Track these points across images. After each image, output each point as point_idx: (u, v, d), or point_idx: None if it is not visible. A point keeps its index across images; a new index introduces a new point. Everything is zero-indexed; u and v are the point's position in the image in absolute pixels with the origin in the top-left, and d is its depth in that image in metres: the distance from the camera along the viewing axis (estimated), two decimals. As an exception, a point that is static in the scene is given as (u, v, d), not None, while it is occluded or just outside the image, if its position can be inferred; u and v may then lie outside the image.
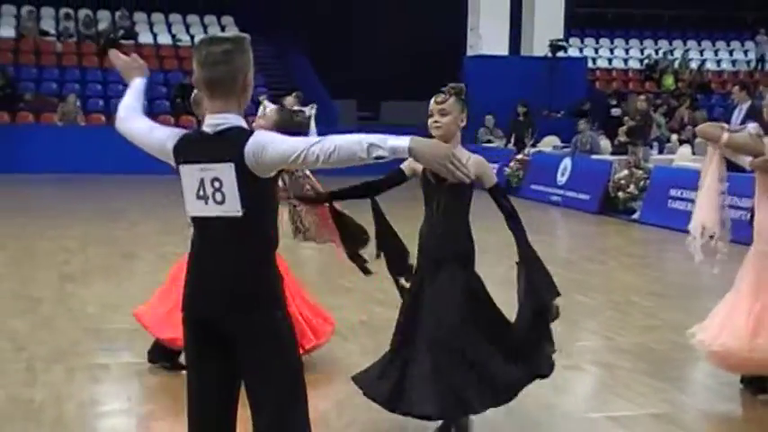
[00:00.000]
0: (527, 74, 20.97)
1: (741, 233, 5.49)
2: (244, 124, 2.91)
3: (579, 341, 6.38)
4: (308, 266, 10.22)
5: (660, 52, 27.42)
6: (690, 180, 12.63)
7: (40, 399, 5.02)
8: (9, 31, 23.55)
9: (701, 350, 5.32)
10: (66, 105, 20.48)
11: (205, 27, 25.59)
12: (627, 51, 28.41)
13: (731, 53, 28.93)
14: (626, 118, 17.42)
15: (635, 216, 13.64)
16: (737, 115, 12.78)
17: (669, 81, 25.16)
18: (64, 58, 23.10)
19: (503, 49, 22.57)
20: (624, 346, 6.36)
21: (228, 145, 2.84)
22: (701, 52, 28.52)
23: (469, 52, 22.93)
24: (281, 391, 2.90)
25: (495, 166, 18.40)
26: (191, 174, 2.91)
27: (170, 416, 4.78)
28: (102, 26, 24.14)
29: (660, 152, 16.92)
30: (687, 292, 8.26)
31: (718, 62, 28.38)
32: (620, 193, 14.09)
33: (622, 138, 16.50)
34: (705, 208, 5.26)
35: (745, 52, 28.75)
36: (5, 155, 18.68)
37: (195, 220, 2.97)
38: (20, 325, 6.65)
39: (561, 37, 22.64)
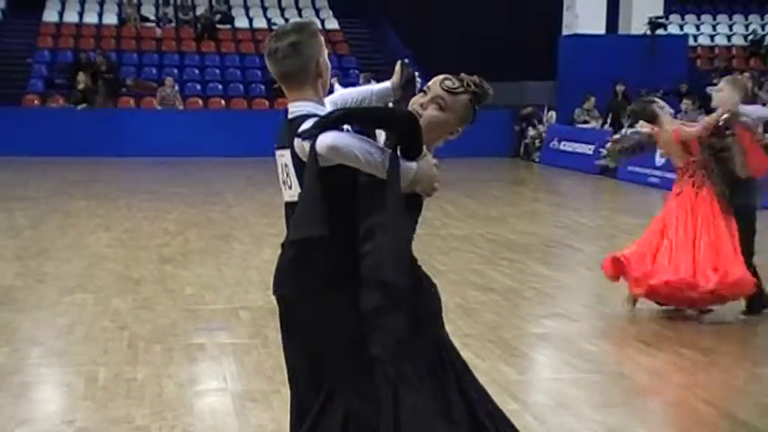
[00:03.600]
0: (625, 53, 20.49)
1: None
2: (318, 111, 2.86)
3: (674, 326, 6.23)
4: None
5: (767, 27, 26.44)
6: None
7: (141, 377, 5.14)
8: (112, 18, 24.16)
9: None
10: (164, 90, 20.91)
11: (300, 11, 25.78)
12: (730, 27, 27.49)
13: (842, 27, 27.73)
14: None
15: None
16: None
17: (775, 57, 24.28)
18: (163, 44, 23.59)
19: (600, 28, 22.11)
20: (723, 330, 6.17)
21: (293, 132, 2.82)
22: (810, 27, 27.43)
23: (565, 31, 22.54)
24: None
25: (592, 147, 18.10)
26: (277, 159, 2.98)
27: (265, 396, 4.84)
28: (199, 11, 24.56)
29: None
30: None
31: (828, 37, 27.24)
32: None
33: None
34: None
35: None
36: (108, 139, 19.20)
37: (284, 205, 3.01)
38: (121, 305, 6.82)
39: (661, 14, 22.04)
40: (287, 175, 2.90)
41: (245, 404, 4.73)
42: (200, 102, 21.79)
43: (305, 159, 2.75)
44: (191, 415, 4.63)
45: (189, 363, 5.49)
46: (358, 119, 2.77)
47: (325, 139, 2.62)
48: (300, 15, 25.58)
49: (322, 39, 2.95)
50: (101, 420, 4.50)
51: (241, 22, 24.90)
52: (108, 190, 14.10)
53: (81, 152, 18.40)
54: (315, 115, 2.81)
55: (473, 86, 2.91)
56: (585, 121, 19.77)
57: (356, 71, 23.31)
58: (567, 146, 18.93)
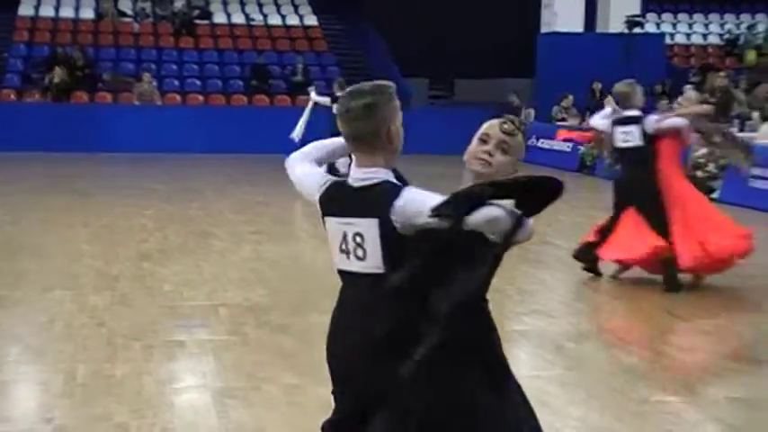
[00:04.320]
0: (602, 51, 20.59)
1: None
2: (391, 178, 2.78)
3: (647, 320, 6.27)
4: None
5: (742, 27, 26.66)
6: (772, 158, 12.31)
7: (120, 374, 5.12)
8: (89, 13, 23.99)
9: None
10: (141, 86, 20.81)
11: (279, 7, 25.71)
12: (707, 26, 27.68)
13: (816, 27, 27.98)
14: (706, 95, 16.98)
15: (714, 195, 13.32)
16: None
17: (751, 56, 24.46)
18: (141, 39, 23.45)
19: (578, 26, 22.22)
20: (706, 328, 6.23)
21: (373, 200, 2.73)
22: (785, 26, 27.64)
23: (544, 29, 22.63)
24: None
25: (570, 145, 18.18)
26: (334, 226, 2.84)
27: (245, 393, 4.83)
28: (177, 6, 24.44)
29: (741, 130, 16.48)
30: (769, 274, 8.04)
31: (803, 36, 27.48)
32: (699, 172, 13.76)
33: (702, 115, 16.05)
34: None
35: (831, 25, 27.78)
36: (85, 135, 19.08)
37: (340, 272, 2.90)
38: (100, 301, 6.79)
39: (638, 12, 22.16)
40: (357, 245, 2.76)
41: (224, 401, 4.72)
42: (179, 97, 21.69)
43: (403, 232, 2.68)
44: (170, 412, 4.62)
45: (168, 360, 5.47)
46: (518, 192, 2.64)
47: (484, 214, 2.57)
48: (279, 11, 25.52)
49: (398, 103, 2.82)
50: (80, 418, 4.48)
51: (219, 18, 24.79)
52: (86, 186, 14.02)
53: (58, 148, 18.27)
54: (389, 183, 2.76)
55: (521, 125, 2.94)
56: (563, 119, 19.86)
57: (335, 68, 23.29)
58: (544, 143, 19.01)
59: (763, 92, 18.84)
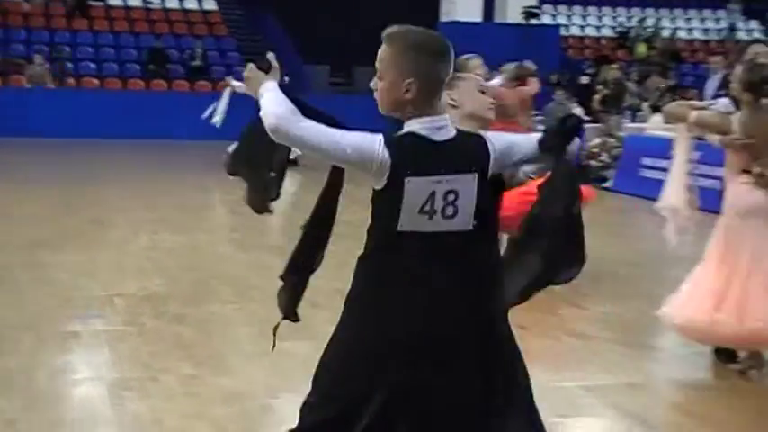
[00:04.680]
0: (500, 41, 20.85)
1: (714, 203, 5.51)
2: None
3: (553, 311, 6.40)
4: (284, 235, 10.19)
5: (633, 20, 27.42)
6: (661, 148, 12.65)
7: (11, 366, 4.96)
8: (-25, -8, 23.11)
9: (667, 322, 5.35)
10: (33, 68, 20.16)
11: (176, -10, 25.24)
12: (600, 19, 28.37)
13: (702, 21, 28.98)
14: (600, 86, 17.41)
15: (607, 184, 13.68)
16: (711, 85, 12.77)
17: (642, 49, 25.18)
18: (31, 20, 22.70)
19: (476, 16, 22.46)
20: (598, 316, 6.40)
21: (470, 154, 2.64)
22: (673, 20, 28.54)
23: (443, 18, 22.80)
24: None
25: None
26: (420, 186, 2.58)
27: (142, 384, 4.74)
28: (70, -13, 23.73)
29: (633, 120, 16.96)
30: (660, 261, 8.30)
31: (690, 30, 28.43)
32: (593, 162, 14.12)
33: (596, 106, 16.49)
34: (674, 188, 5.27)
35: (717, 20, 28.82)
36: (-28, 118, 18.40)
37: (409, 235, 2.62)
38: (-11, 292, 6.57)
39: (535, 4, 22.56)
40: (447, 204, 2.59)
41: (120, 393, 4.62)
42: (72, 81, 21.10)
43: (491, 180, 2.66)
44: (63, 405, 4.51)
45: (62, 351, 5.32)
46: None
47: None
48: (177, -6, 25.06)
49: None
50: (-32, 413, 4.33)
51: (115, 0, 24.19)
52: (-27, 172, 13.52)
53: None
54: (475, 133, 2.71)
55: None
56: (462, 108, 20.07)
57: (235, 54, 23.01)
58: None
59: (654, 84, 19.41)
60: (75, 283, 6.95)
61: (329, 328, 6.16)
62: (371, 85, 2.72)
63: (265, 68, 2.72)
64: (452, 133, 2.65)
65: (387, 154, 2.56)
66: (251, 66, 2.75)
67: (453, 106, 2.84)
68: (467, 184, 2.61)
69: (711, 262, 5.14)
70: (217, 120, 14.85)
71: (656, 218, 5.49)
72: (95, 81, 21.27)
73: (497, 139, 2.72)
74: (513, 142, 2.76)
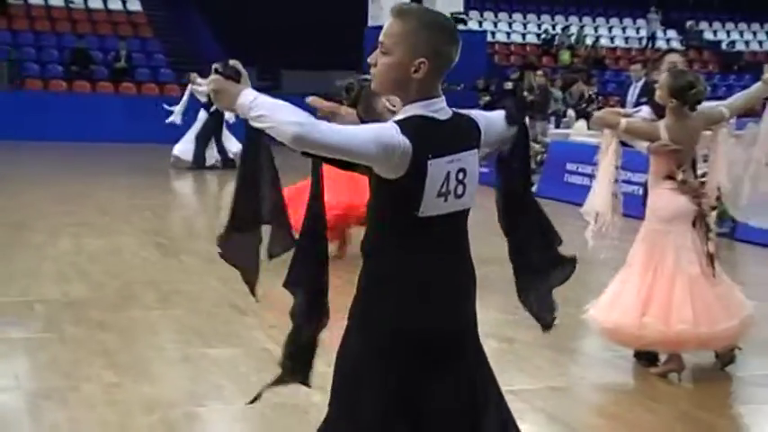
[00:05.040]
0: (428, 46, 20.98)
1: (635, 208, 5.60)
2: None
3: (480, 315, 6.44)
4: (208, 240, 10.06)
5: (557, 28, 27.86)
6: (586, 154, 12.88)
7: None
8: None
9: (594, 326, 5.42)
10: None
11: (99, -11, 24.81)
12: (525, 26, 28.76)
13: (624, 30, 29.60)
14: (525, 93, 17.64)
15: (533, 189, 13.82)
16: (632, 92, 13.00)
17: (566, 56, 25.59)
18: (-52, 18, 22.10)
19: (404, 21, 22.53)
20: (524, 320, 6.44)
21: (468, 130, 2.61)
22: (596, 29, 29.09)
23: (371, 23, 22.85)
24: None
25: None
26: (439, 168, 2.50)
27: (61, 394, 4.62)
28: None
29: (557, 126, 17.21)
30: (584, 266, 8.36)
31: (612, 39, 29.00)
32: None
33: (521, 112, 16.63)
34: (599, 193, 5.34)
35: (638, 30, 29.46)
36: None
37: (428, 219, 2.53)
38: None
39: (461, 10, 22.75)
40: (458, 183, 2.54)
41: (39, 403, 4.50)
42: (-10, 81, 20.60)
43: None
44: (-21, 416, 4.37)
45: (-23, 360, 5.17)
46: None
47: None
48: (100, -6, 24.63)
49: None
50: None
51: (36, -1, 23.69)
52: None
53: None
54: (459, 111, 2.66)
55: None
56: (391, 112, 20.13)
57: (161, 55, 22.70)
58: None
59: (578, 90, 19.74)
60: (-9, 289, 6.75)
61: (255, 335, 6.13)
62: (369, 59, 2.59)
63: (234, 77, 2.45)
64: (450, 112, 2.60)
65: (405, 139, 2.44)
66: (216, 78, 2.45)
67: (393, 111, 2.76)
68: (472, 161, 2.59)
69: (636, 266, 5.23)
70: (175, 118, 14.73)
71: (580, 222, 5.55)
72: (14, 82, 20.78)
73: (480, 117, 2.71)
74: (489, 118, 2.75)
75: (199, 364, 5.20)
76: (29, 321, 5.98)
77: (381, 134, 2.44)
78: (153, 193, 12.52)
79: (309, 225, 2.69)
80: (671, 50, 6.17)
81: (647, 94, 10.75)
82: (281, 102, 2.41)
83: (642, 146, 5.23)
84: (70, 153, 16.97)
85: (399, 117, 2.53)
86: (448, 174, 2.52)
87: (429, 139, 2.49)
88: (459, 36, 2.61)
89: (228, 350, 5.51)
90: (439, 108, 2.56)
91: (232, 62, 2.47)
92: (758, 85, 5.34)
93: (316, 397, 4.65)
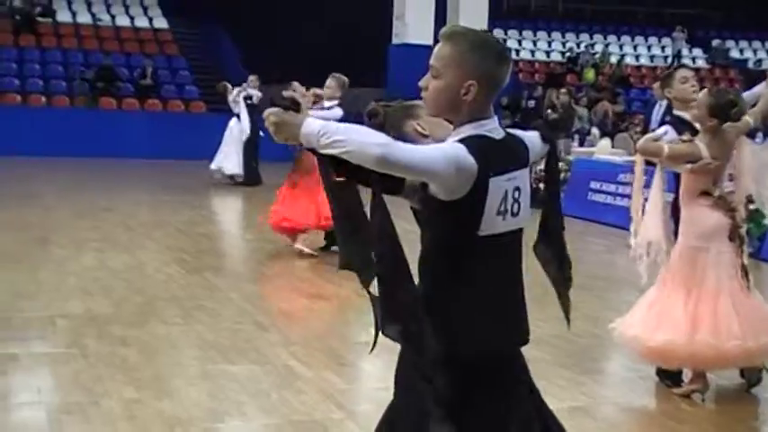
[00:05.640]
0: (452, 64, 21.01)
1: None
2: None
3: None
4: (232, 256, 10.09)
5: (582, 46, 27.81)
6: (609, 173, 12.87)
7: (-55, 391, 4.83)
8: None
9: (635, 346, 5.31)
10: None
11: (127, 8, 25.04)
12: (549, 44, 28.74)
13: (649, 48, 29.49)
14: (549, 111, 17.61)
15: (562, 217, 13.76)
16: (657, 111, 12.98)
17: (590, 74, 25.53)
18: (-22, 36, 22.38)
19: (428, 39, 22.59)
20: (544, 338, 6.40)
21: (520, 149, 2.68)
22: (621, 47, 29.00)
23: (395, 41, 22.93)
24: None
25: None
26: (498, 186, 2.54)
27: (82, 409, 4.64)
28: (16, 2, 23.41)
29: (581, 144, 17.16)
30: (607, 284, 8.37)
31: (637, 57, 28.91)
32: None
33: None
34: (651, 224, 5.30)
35: (663, 48, 29.36)
36: None
37: (490, 239, 2.56)
38: (-75, 313, 6.40)
39: (486, 27, 22.75)
40: (514, 201, 2.59)
41: (60, 417, 4.52)
42: (19, 98, 20.79)
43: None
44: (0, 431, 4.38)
45: None
46: None
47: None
48: (128, 12, 24.87)
49: None
50: None
51: (64, 16, 23.93)
52: None
53: None
54: (512, 132, 2.74)
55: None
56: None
57: (186, 72, 22.87)
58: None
59: (602, 108, 19.70)
60: (13, 303, 6.79)
61: (275, 351, 6.13)
62: (420, 83, 2.63)
63: (293, 107, 2.44)
64: (503, 132, 2.65)
65: (471, 158, 2.47)
66: (274, 110, 2.43)
67: (424, 135, 2.75)
68: (525, 179, 2.65)
69: (677, 284, 5.15)
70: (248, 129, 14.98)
71: (602, 241, 5.54)
72: (42, 98, 20.99)
73: (524, 136, 2.77)
74: (530, 139, 2.80)
75: (218, 381, 5.21)
76: (51, 336, 6.01)
77: (451, 153, 2.45)
78: (177, 208, 12.58)
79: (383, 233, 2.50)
80: (681, 66, 6.15)
81: (669, 113, 10.75)
82: (352, 125, 2.41)
83: (685, 167, 5.17)
84: (95, 169, 17.10)
85: (456, 137, 2.54)
86: (506, 192, 2.56)
87: (489, 157, 2.51)
88: (509, 57, 2.63)
89: (248, 367, 5.51)
90: (492, 128, 2.59)
91: (287, 93, 2.48)
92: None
93: (335, 414, 4.66)
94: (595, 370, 5.90)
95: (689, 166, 5.10)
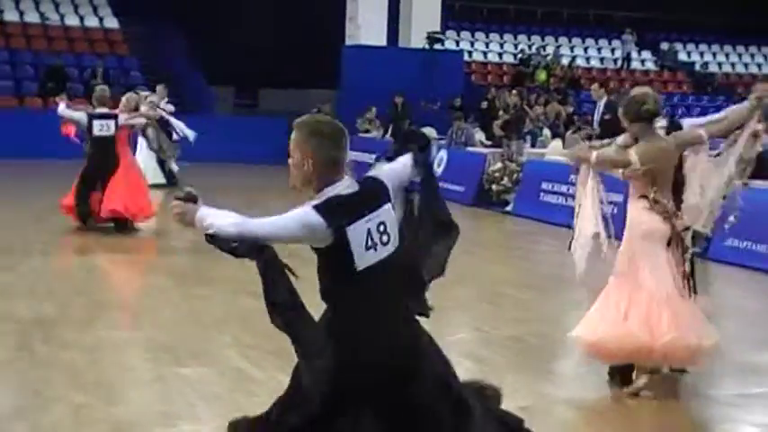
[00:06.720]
0: (405, 65, 21.07)
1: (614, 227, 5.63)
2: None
3: (452, 334, 6.42)
4: (180, 257, 10.02)
5: (533, 48, 28.03)
6: (561, 174, 12.95)
7: None
8: None
9: (579, 345, 5.42)
10: None
11: (76, 6, 24.69)
12: (501, 46, 28.91)
13: (599, 51, 29.82)
14: (501, 112, 17.71)
15: (508, 208, 13.88)
16: (598, 110, 13.26)
17: (542, 76, 25.73)
18: None
19: (381, 40, 22.63)
20: (497, 339, 6.44)
21: (378, 191, 3.22)
22: (572, 49, 29.28)
23: (348, 42, 22.90)
24: None
25: (373, 156, 18.43)
26: (359, 231, 3.10)
27: (30, 415, 4.56)
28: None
29: (533, 146, 17.27)
30: (559, 284, 8.42)
31: (588, 59, 29.21)
32: (494, 186, 14.31)
33: (497, 131, 16.73)
34: (587, 219, 5.37)
35: (612, 50, 29.70)
36: None
37: (367, 270, 3.12)
38: None
39: (438, 29, 22.86)
40: (381, 233, 3.15)
41: (7, 423, 4.43)
42: (-35, 98, 20.44)
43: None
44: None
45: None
46: None
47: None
48: (77, 11, 24.53)
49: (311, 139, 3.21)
50: None
51: (11, 16, 23.53)
52: None
53: None
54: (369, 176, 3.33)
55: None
56: (367, 131, 20.16)
57: (137, 73, 22.64)
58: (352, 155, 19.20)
59: (554, 110, 19.86)
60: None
61: (227, 353, 6.07)
62: (290, 161, 3.22)
63: (192, 199, 3.11)
64: (356, 185, 3.19)
65: (319, 218, 3.04)
66: (178, 203, 3.11)
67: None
68: (388, 213, 3.20)
69: (615, 283, 5.28)
70: (189, 134, 14.58)
71: (554, 241, 5.59)
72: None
73: (385, 175, 3.32)
74: (393, 172, 3.38)
75: (169, 384, 5.15)
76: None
77: (299, 217, 3.06)
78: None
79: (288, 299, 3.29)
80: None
81: (610, 111, 11.00)
82: (222, 211, 3.09)
83: (618, 173, 5.31)
84: (43, 170, 16.84)
85: (313, 202, 3.10)
86: (369, 230, 3.12)
87: (341, 211, 3.08)
88: (342, 135, 3.22)
89: (200, 369, 5.46)
90: (343, 187, 3.16)
91: (187, 188, 3.14)
92: (741, 108, 5.43)
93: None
94: (548, 370, 5.93)
95: (620, 170, 5.24)
